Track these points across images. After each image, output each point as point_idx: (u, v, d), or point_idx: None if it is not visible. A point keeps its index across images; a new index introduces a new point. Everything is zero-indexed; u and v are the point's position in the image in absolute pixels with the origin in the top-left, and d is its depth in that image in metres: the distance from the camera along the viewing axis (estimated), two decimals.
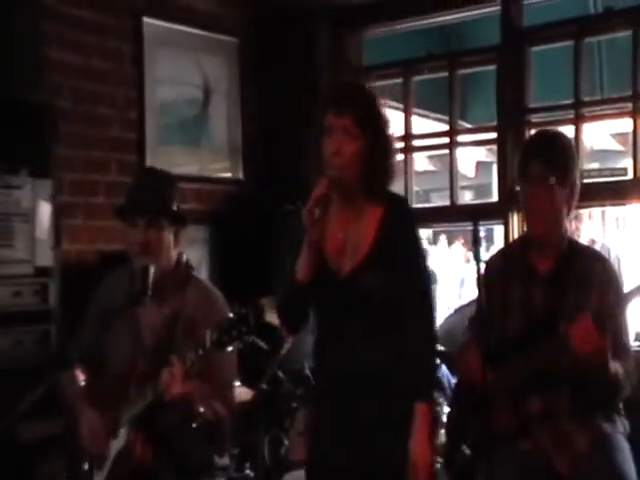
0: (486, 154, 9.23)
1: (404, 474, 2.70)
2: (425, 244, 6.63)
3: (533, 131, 4.82)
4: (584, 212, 5.41)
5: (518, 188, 3.10)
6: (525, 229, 3.28)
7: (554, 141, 3.08)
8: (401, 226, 2.81)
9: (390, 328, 2.77)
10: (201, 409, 2.90)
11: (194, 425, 2.90)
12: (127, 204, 3.12)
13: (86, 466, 3.07)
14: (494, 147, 5.39)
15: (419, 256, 2.85)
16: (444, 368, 4.42)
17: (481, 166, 9.92)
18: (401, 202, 2.91)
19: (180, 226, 3.17)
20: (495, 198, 5.19)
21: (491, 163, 9.29)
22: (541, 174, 2.95)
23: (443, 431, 3.67)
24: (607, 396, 2.94)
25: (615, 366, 2.82)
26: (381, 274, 2.76)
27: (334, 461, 2.80)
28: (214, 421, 2.97)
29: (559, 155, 3.00)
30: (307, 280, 2.77)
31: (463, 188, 5.82)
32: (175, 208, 3.14)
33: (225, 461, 3.25)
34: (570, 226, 5.09)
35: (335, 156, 2.72)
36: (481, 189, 10.50)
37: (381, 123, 2.81)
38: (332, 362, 2.83)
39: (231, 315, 2.74)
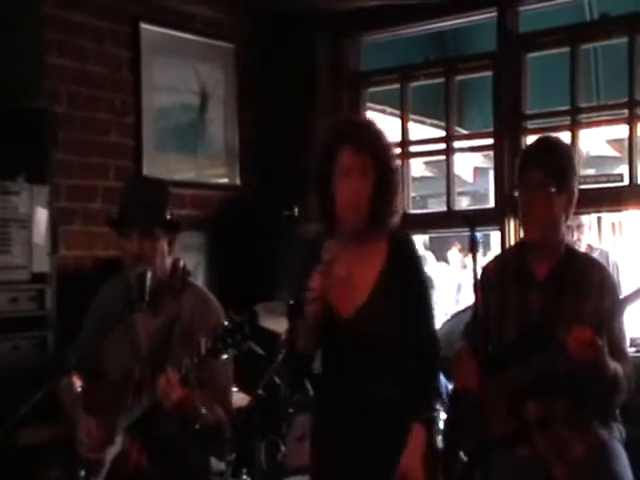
0: (482, 160, 9.23)
1: None
2: (423, 253, 6.64)
3: (530, 137, 4.84)
4: (585, 222, 5.41)
5: (516, 194, 3.10)
6: (522, 235, 3.28)
7: (554, 149, 3.09)
8: (407, 260, 2.83)
9: (397, 364, 2.78)
10: (203, 410, 2.90)
11: (197, 427, 2.90)
12: (120, 216, 3.10)
13: (82, 472, 3.07)
14: (491, 153, 5.41)
15: (425, 293, 2.87)
16: (440, 374, 4.42)
17: (478, 172, 9.92)
18: (405, 237, 2.91)
19: (174, 233, 3.16)
20: (492, 204, 5.21)
21: (487, 169, 9.30)
22: (541, 182, 2.96)
23: (440, 437, 3.67)
24: (606, 396, 2.93)
25: (614, 364, 2.83)
26: (385, 313, 2.76)
27: None
28: (214, 424, 2.98)
29: (558, 163, 3.01)
30: (310, 351, 2.78)
31: (460, 194, 5.83)
32: (169, 215, 3.13)
33: (221, 466, 3.25)
34: (572, 236, 5.11)
35: (352, 197, 2.72)
36: (478, 195, 10.50)
37: (391, 160, 2.82)
38: (341, 397, 2.82)
39: (226, 323, 2.74)
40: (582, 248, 4.95)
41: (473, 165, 9.63)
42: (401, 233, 2.90)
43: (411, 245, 2.90)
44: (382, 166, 2.76)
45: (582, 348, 2.71)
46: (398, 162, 2.90)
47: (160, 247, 3.08)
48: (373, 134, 2.80)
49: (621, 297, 2.92)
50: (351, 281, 2.78)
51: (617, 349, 2.91)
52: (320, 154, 2.82)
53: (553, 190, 2.96)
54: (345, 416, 2.79)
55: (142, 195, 3.12)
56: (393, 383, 2.76)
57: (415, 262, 2.87)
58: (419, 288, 2.84)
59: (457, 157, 5.37)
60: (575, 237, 5.23)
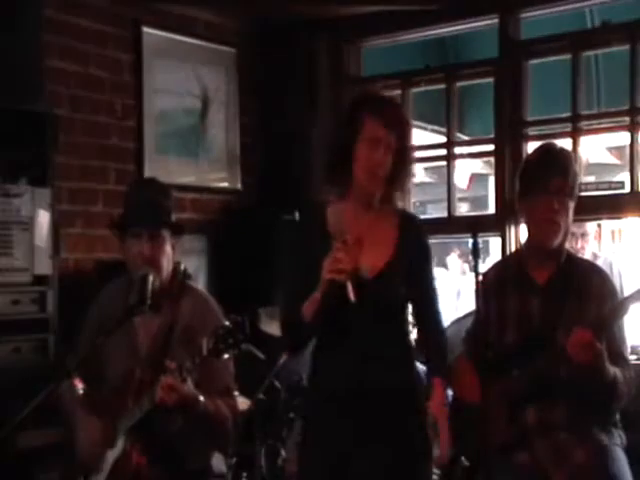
0: (482, 166, 9.23)
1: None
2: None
3: (530, 144, 4.84)
4: (590, 232, 5.42)
5: (525, 200, 3.10)
6: (523, 240, 3.29)
7: (566, 156, 3.13)
8: (420, 238, 2.96)
9: (404, 335, 2.91)
10: (207, 408, 2.91)
11: (203, 425, 2.90)
12: (128, 217, 3.12)
13: (82, 477, 3.06)
14: (490, 159, 5.42)
15: (432, 267, 3.02)
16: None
17: (476, 178, 9.91)
18: (415, 217, 3.11)
19: (179, 237, 3.18)
20: (491, 210, 5.21)
21: (487, 175, 9.30)
22: (560, 187, 2.99)
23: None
24: (606, 401, 2.93)
25: (614, 369, 2.83)
26: (402, 279, 2.85)
27: (347, 471, 2.79)
28: (218, 420, 2.99)
29: (573, 169, 3.06)
30: (315, 322, 2.79)
31: (459, 200, 5.83)
32: (174, 219, 3.16)
33: (222, 468, 3.25)
34: (576, 243, 5.10)
35: (377, 167, 2.82)
36: (476, 201, 10.49)
37: (411, 139, 2.96)
38: (345, 378, 2.82)
39: (227, 323, 2.75)
40: (586, 256, 4.95)
41: (469, 172, 9.62)
42: (410, 211, 3.11)
43: (420, 223, 3.06)
44: (403, 143, 2.87)
45: (581, 349, 2.72)
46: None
47: (167, 250, 3.10)
48: (401, 113, 2.96)
49: (621, 301, 2.92)
50: (369, 245, 2.83)
51: (617, 354, 2.91)
52: (346, 120, 2.91)
53: (567, 194, 3.00)
54: (351, 396, 2.79)
55: (150, 197, 3.13)
56: (402, 360, 2.87)
57: (426, 238, 3.01)
58: (428, 266, 2.99)
59: (457, 163, 5.37)
60: (579, 245, 5.23)
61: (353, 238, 2.73)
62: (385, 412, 2.79)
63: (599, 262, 4.80)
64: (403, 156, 2.88)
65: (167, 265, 3.11)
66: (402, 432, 2.80)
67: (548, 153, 3.20)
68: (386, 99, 3.03)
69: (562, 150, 3.19)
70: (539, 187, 3.03)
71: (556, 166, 3.03)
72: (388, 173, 2.84)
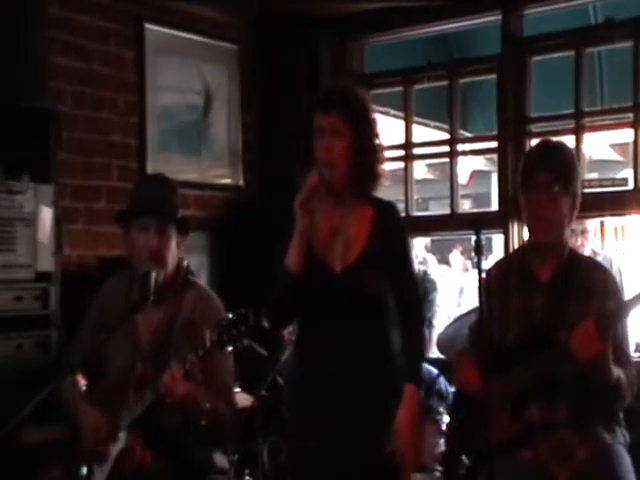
0: (484, 163, 9.23)
1: (397, 473, 2.79)
2: (423, 251, 6.65)
3: (533, 141, 4.84)
4: (590, 228, 5.40)
5: (520, 196, 3.11)
6: (526, 237, 3.29)
7: (557, 151, 3.10)
8: (394, 228, 2.92)
9: (382, 327, 2.88)
10: (206, 405, 2.92)
11: (203, 422, 2.91)
12: (137, 208, 3.12)
13: (85, 470, 3.07)
14: (493, 156, 5.41)
15: (410, 257, 3.02)
16: (443, 377, 4.43)
17: (479, 175, 9.91)
18: (391, 205, 3.00)
19: (184, 235, 3.18)
20: (493, 207, 5.20)
21: (489, 172, 9.30)
22: (546, 182, 2.97)
23: (443, 441, 3.68)
24: (609, 402, 2.93)
25: (617, 371, 2.82)
26: (376, 271, 2.84)
27: (326, 458, 2.82)
28: (218, 418, 2.99)
29: (562, 164, 3.02)
30: (300, 270, 2.81)
31: (462, 197, 5.83)
32: (180, 215, 3.16)
33: (224, 463, 3.26)
34: (576, 241, 5.09)
35: (325, 153, 2.80)
36: (479, 198, 10.50)
37: (369, 123, 2.89)
38: (326, 362, 2.85)
39: (230, 315, 2.77)
40: (586, 253, 4.94)
41: (470, 169, 9.62)
42: (387, 200, 2.99)
43: (396, 212, 2.99)
44: (356, 126, 2.83)
45: (584, 343, 2.71)
46: (378, 126, 2.95)
47: (173, 245, 3.11)
48: (344, 95, 2.89)
49: (624, 300, 2.92)
50: (341, 237, 2.86)
51: (620, 352, 2.90)
52: (304, 120, 2.91)
53: (557, 190, 2.96)
54: (331, 380, 2.82)
55: (159, 191, 3.14)
56: (379, 346, 2.86)
57: (402, 227, 2.97)
58: (404, 255, 2.95)
59: (460, 160, 5.37)
60: (579, 242, 5.22)
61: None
62: (353, 398, 2.80)
63: (599, 259, 4.79)
64: (360, 142, 2.83)
65: (171, 262, 3.12)
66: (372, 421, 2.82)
67: (539, 149, 3.21)
68: (332, 87, 3.05)
69: (555, 145, 3.18)
70: (527, 183, 3.04)
71: (544, 161, 3.02)
72: (350, 160, 2.81)
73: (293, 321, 3.03)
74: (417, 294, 3.01)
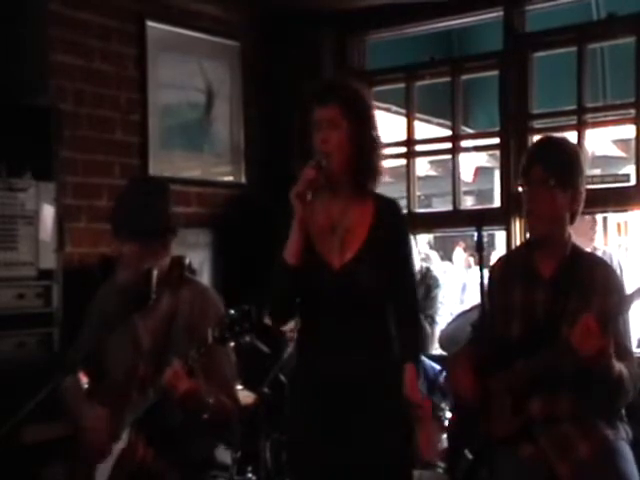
0: (487, 159, 9.23)
1: (396, 473, 2.82)
2: (425, 248, 6.65)
3: (536, 137, 4.83)
4: (598, 222, 5.41)
5: (521, 192, 3.11)
6: (527, 233, 3.29)
7: (556, 145, 3.11)
8: (395, 225, 2.91)
9: (382, 325, 2.88)
10: (210, 400, 2.91)
11: (205, 416, 2.91)
12: (118, 225, 3.10)
13: (87, 469, 3.07)
14: (496, 152, 5.41)
15: (411, 257, 3.01)
16: (445, 374, 4.42)
17: (482, 171, 9.91)
18: (394, 202, 3.00)
19: (172, 236, 3.16)
20: (496, 203, 5.20)
21: (492, 168, 9.29)
22: (541, 177, 2.97)
23: (445, 436, 3.67)
24: (611, 397, 2.92)
25: (619, 366, 2.82)
26: (375, 269, 2.83)
27: (330, 460, 2.82)
28: (222, 413, 2.99)
29: (559, 159, 3.02)
30: (298, 263, 2.80)
31: (464, 194, 5.83)
32: (167, 217, 3.13)
33: (226, 460, 3.26)
34: (583, 234, 5.07)
35: (322, 144, 2.81)
36: (482, 195, 10.49)
37: (366, 115, 2.89)
38: (326, 364, 2.84)
39: (232, 311, 2.76)
40: (589, 248, 4.94)
41: (474, 165, 9.62)
42: (388, 196, 3.00)
43: (398, 209, 3.00)
44: (352, 117, 2.83)
45: (586, 338, 2.70)
46: (376, 117, 2.96)
47: (159, 250, 3.09)
48: (340, 87, 2.90)
49: (625, 295, 2.92)
50: (340, 233, 2.86)
51: (622, 347, 2.90)
52: (299, 115, 2.94)
53: (552, 184, 2.96)
54: (331, 384, 2.81)
55: (140, 203, 3.10)
56: (377, 346, 2.86)
57: (403, 224, 2.99)
58: (404, 255, 2.95)
59: (462, 156, 5.37)
60: (588, 237, 5.22)
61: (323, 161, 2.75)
62: (353, 399, 2.80)
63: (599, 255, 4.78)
64: (358, 134, 2.84)
65: (161, 261, 3.10)
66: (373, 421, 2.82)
67: (537, 145, 3.21)
68: (328, 81, 3.06)
69: (553, 141, 3.19)
70: (524, 178, 3.05)
71: (540, 156, 3.03)
72: (347, 150, 2.82)
73: (293, 316, 3.02)
74: (416, 295, 3.01)
